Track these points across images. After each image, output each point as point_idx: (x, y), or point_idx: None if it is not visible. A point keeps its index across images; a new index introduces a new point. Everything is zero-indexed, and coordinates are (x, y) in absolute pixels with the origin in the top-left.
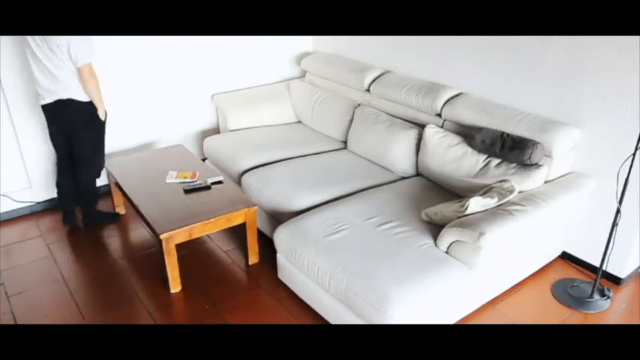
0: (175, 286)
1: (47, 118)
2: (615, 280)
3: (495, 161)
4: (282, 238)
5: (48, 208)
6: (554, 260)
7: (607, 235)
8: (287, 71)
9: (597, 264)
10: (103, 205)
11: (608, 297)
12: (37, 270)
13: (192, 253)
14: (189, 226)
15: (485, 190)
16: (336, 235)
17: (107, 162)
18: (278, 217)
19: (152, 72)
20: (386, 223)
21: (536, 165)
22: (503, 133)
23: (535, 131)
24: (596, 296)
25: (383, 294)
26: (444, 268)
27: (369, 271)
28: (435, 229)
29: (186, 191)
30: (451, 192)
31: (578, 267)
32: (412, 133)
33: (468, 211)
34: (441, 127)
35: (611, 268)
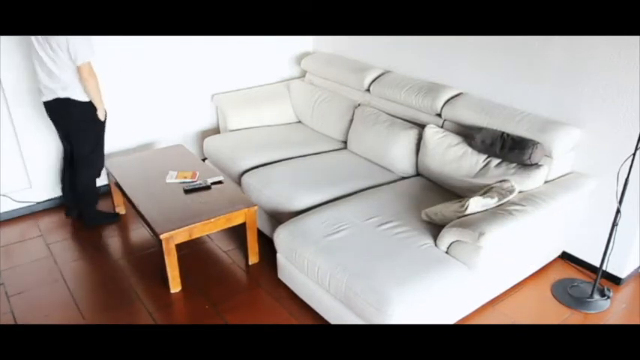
0: (175, 286)
1: (48, 116)
2: (615, 280)
3: (495, 161)
4: (282, 238)
5: (48, 208)
6: (554, 260)
7: (607, 235)
8: (287, 71)
9: (597, 264)
10: (103, 205)
11: (608, 297)
12: (37, 270)
13: (192, 253)
14: (189, 226)
15: (485, 190)
16: (336, 235)
17: (107, 162)
18: (278, 217)
19: (152, 72)
20: (386, 223)
21: (536, 165)
22: (503, 133)
23: (535, 131)
24: (596, 296)
25: (383, 294)
26: (444, 268)
27: (369, 271)
28: (435, 229)
29: (186, 191)
30: (451, 192)
31: (578, 267)
32: (412, 133)
33: (468, 211)
34: (441, 127)
35: (611, 268)
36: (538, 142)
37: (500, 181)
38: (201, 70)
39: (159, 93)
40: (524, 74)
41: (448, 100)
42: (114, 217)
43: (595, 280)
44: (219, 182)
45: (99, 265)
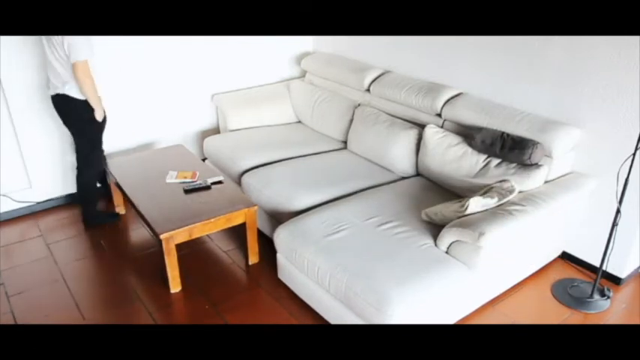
0: (175, 286)
1: (55, 110)
2: (615, 280)
3: (495, 161)
4: (282, 238)
5: (48, 208)
6: (554, 260)
7: (607, 235)
8: (287, 71)
9: (597, 264)
10: (103, 205)
11: (608, 297)
12: (37, 270)
13: (192, 253)
14: (189, 226)
15: (485, 190)
16: (336, 235)
17: (107, 162)
18: (278, 217)
19: (152, 72)
20: (386, 223)
21: (536, 165)
22: (503, 133)
23: (535, 131)
24: (596, 296)
25: (383, 294)
26: (444, 268)
27: (369, 271)
28: (435, 229)
29: (186, 191)
30: (451, 192)
31: (578, 267)
32: (412, 133)
33: (468, 211)
34: (441, 127)
35: (611, 268)
36: (538, 142)
37: (500, 181)
38: (201, 70)
39: (159, 93)
40: (524, 74)
41: (448, 100)
42: (114, 217)
43: (595, 280)
44: (219, 182)
45: (99, 265)
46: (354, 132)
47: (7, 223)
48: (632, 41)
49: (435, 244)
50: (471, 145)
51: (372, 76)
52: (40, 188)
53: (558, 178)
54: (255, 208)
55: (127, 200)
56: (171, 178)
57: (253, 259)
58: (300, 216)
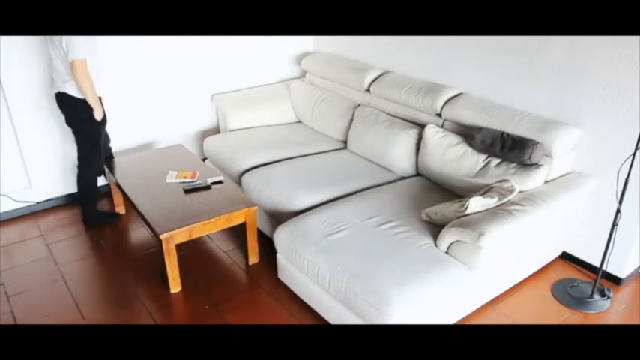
0: (175, 286)
1: (58, 108)
2: (615, 280)
3: (495, 161)
4: (282, 238)
5: (48, 208)
6: (554, 260)
7: (607, 235)
8: (287, 71)
9: (597, 264)
10: (103, 205)
11: (608, 297)
12: (37, 270)
13: (192, 253)
14: (189, 226)
15: (485, 190)
16: (336, 235)
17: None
18: (278, 217)
19: (152, 72)
20: (386, 223)
21: (536, 165)
22: (503, 133)
23: (535, 131)
24: (596, 296)
25: (383, 294)
26: (444, 268)
27: (369, 271)
28: (435, 229)
29: (186, 191)
30: (451, 192)
31: (578, 267)
32: (412, 133)
33: (468, 211)
34: (441, 127)
35: (611, 268)
36: (538, 142)
37: (500, 181)
38: (201, 70)
39: (159, 93)
40: (524, 74)
41: (448, 100)
42: (114, 217)
43: (595, 280)
44: (219, 182)
45: (99, 265)
46: (354, 132)
47: (7, 223)
48: (632, 41)
49: (435, 244)
50: (470, 145)
51: (372, 76)
52: (40, 188)
53: (558, 178)
54: (255, 208)
55: (127, 200)
56: (172, 178)
57: (253, 259)
58: (300, 216)
